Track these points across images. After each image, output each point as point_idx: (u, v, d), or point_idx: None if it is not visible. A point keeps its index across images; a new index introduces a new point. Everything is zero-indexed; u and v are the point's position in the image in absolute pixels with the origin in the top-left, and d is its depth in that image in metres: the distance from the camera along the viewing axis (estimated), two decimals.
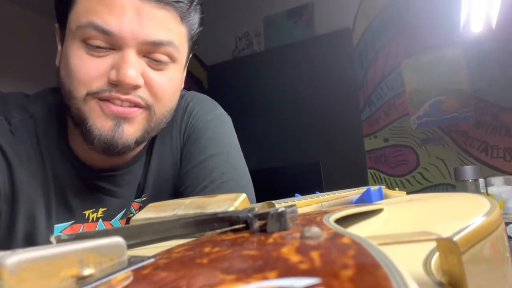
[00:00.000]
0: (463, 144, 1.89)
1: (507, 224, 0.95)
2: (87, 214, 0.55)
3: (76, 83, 0.47)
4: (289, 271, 0.11)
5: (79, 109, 0.48)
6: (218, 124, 0.63)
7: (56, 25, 0.52)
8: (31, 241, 0.51)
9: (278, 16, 2.45)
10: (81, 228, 0.55)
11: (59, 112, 0.55)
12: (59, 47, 0.52)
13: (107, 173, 0.55)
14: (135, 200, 0.59)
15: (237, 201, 0.27)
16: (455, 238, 0.18)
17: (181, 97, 0.60)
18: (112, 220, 0.57)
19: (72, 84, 0.47)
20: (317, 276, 0.10)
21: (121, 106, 0.47)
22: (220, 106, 0.68)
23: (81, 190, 0.55)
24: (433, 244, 0.17)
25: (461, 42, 1.91)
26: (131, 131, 0.49)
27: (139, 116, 0.49)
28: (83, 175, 0.55)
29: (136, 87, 0.47)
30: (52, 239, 0.22)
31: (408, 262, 0.15)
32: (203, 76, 2.62)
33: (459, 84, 1.92)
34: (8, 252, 0.12)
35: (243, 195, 0.28)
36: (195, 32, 0.53)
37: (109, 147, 0.48)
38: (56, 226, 0.53)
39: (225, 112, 0.67)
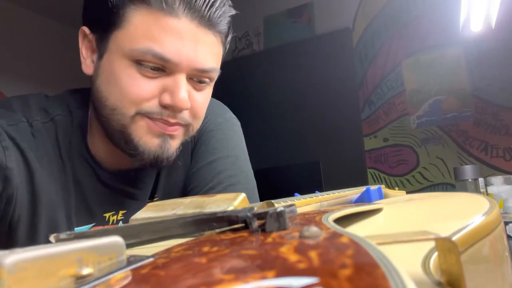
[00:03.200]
0: (463, 143, 1.89)
1: (506, 223, 0.95)
2: (107, 217, 0.56)
3: (126, 102, 0.48)
4: (287, 270, 0.11)
5: (125, 125, 0.49)
6: (228, 127, 0.64)
7: (87, 30, 0.51)
8: None
9: (278, 16, 2.44)
10: None
11: (79, 115, 0.55)
12: (84, 51, 0.51)
13: (127, 176, 0.56)
14: (147, 200, 0.59)
15: (236, 201, 0.27)
16: (454, 238, 0.18)
17: None
18: None
19: (122, 102, 0.48)
20: (315, 275, 0.10)
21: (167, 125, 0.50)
22: (229, 110, 0.68)
23: (101, 193, 0.55)
24: (432, 244, 0.17)
25: (461, 42, 1.91)
26: (174, 145, 0.52)
27: (180, 132, 0.52)
28: (104, 178, 0.55)
29: (184, 110, 0.50)
30: (51, 238, 0.22)
31: (407, 261, 0.15)
32: None
33: (458, 84, 1.92)
34: (6, 252, 0.12)
35: (243, 195, 0.28)
36: (225, 51, 0.56)
37: (156, 162, 0.51)
38: (76, 229, 0.54)
39: (234, 116, 0.68)
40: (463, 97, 1.91)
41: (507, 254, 0.24)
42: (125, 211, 0.57)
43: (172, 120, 0.49)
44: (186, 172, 0.61)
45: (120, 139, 0.50)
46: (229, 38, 0.55)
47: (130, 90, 0.47)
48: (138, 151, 0.49)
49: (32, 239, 0.51)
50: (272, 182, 1.73)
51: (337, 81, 2.18)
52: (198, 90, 0.51)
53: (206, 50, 0.49)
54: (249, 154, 0.65)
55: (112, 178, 0.55)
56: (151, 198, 0.60)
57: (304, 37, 2.32)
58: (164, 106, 0.48)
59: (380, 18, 2.14)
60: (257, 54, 2.48)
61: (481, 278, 0.19)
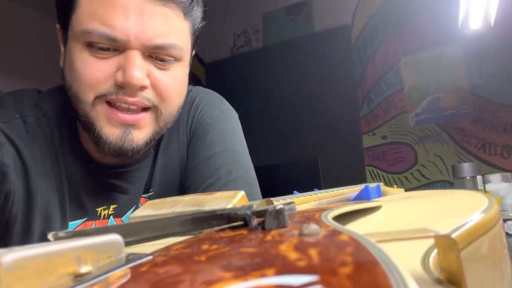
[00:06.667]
0: (461, 141, 1.90)
1: (505, 221, 0.95)
2: (99, 211, 0.56)
3: (83, 87, 0.46)
4: (287, 268, 0.11)
5: (87, 113, 0.48)
6: (225, 120, 0.63)
7: (58, 26, 0.52)
8: (47, 240, 0.51)
9: (277, 13, 2.44)
10: (93, 225, 0.55)
11: (71, 110, 0.54)
12: (62, 48, 0.52)
13: (118, 171, 0.56)
14: (143, 195, 0.59)
15: (235, 199, 0.27)
16: (453, 235, 0.18)
17: (187, 92, 0.59)
18: (123, 217, 0.57)
19: (80, 88, 0.47)
20: (315, 273, 0.10)
21: (128, 110, 0.48)
22: (226, 101, 0.67)
23: (93, 188, 0.55)
24: (431, 241, 0.17)
25: (460, 40, 1.91)
26: (140, 136, 0.49)
27: (147, 119, 0.49)
28: (95, 173, 0.55)
29: (142, 88, 0.47)
30: (50, 236, 0.22)
31: (407, 259, 0.15)
32: (202, 73, 2.61)
33: (457, 81, 1.92)
34: (5, 250, 0.12)
35: (242, 193, 0.28)
36: (198, 26, 0.53)
37: (119, 153, 0.49)
38: (70, 223, 0.54)
39: (232, 108, 0.66)
40: (462, 94, 1.91)
41: (506, 251, 0.24)
42: (116, 206, 0.56)
43: (131, 99, 0.47)
44: (182, 167, 0.60)
45: (88, 129, 0.49)
46: (196, 12, 0.51)
47: (84, 73, 0.46)
48: (100, 142, 0.48)
49: (27, 235, 0.51)
50: (271, 180, 1.73)
51: (336, 79, 2.19)
52: (161, 69, 0.49)
53: (157, 24, 0.46)
54: (248, 151, 0.65)
55: (104, 172, 0.55)
56: (146, 193, 0.59)
57: (303, 34, 2.32)
58: (120, 86, 0.46)
59: (379, 15, 2.14)
60: (256, 51, 2.48)
61: (480, 276, 0.19)
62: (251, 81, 2.40)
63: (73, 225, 0.54)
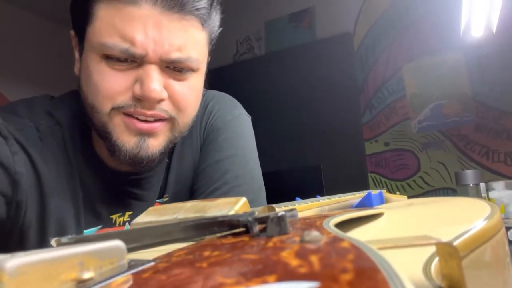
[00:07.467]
0: (464, 148, 1.89)
1: (508, 228, 0.94)
2: (114, 218, 0.55)
3: (100, 99, 0.47)
4: (288, 275, 0.11)
5: (103, 123, 0.48)
6: (237, 125, 0.63)
7: (72, 32, 0.52)
8: None
9: (279, 20, 2.45)
10: None
11: (84, 118, 0.54)
12: (76, 55, 0.52)
13: (133, 178, 0.55)
14: (157, 200, 0.59)
15: (237, 205, 0.27)
16: (455, 243, 0.18)
17: (201, 96, 0.59)
18: None
19: (97, 99, 0.47)
20: (316, 280, 0.10)
21: (145, 120, 0.48)
22: (240, 105, 0.67)
23: (108, 195, 0.55)
24: (433, 249, 0.16)
25: (462, 47, 1.91)
26: (155, 144, 0.49)
27: (162, 128, 0.50)
28: (110, 180, 0.55)
29: (160, 101, 0.47)
30: (53, 242, 0.22)
31: (408, 266, 0.15)
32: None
33: (459, 88, 1.92)
34: (8, 256, 0.12)
35: (243, 199, 0.28)
36: (215, 34, 0.53)
37: (134, 162, 0.49)
38: (84, 231, 0.54)
39: (245, 112, 0.66)
40: (464, 101, 1.91)
41: (508, 259, 0.24)
42: (131, 213, 0.56)
43: (149, 112, 0.47)
44: (195, 171, 0.60)
45: (104, 138, 0.49)
46: (213, 21, 0.51)
47: (101, 85, 0.46)
48: (116, 151, 0.48)
49: (42, 245, 0.51)
50: (273, 186, 1.73)
51: (338, 85, 2.19)
52: (178, 80, 0.49)
53: (175, 37, 0.46)
54: (257, 157, 0.64)
55: (119, 180, 0.55)
56: (161, 198, 0.59)
57: (305, 42, 2.33)
58: (138, 98, 0.46)
59: (381, 23, 2.15)
60: (258, 58, 2.48)
61: (483, 284, 0.19)
62: (254, 88, 2.41)
63: (88, 232, 0.54)
